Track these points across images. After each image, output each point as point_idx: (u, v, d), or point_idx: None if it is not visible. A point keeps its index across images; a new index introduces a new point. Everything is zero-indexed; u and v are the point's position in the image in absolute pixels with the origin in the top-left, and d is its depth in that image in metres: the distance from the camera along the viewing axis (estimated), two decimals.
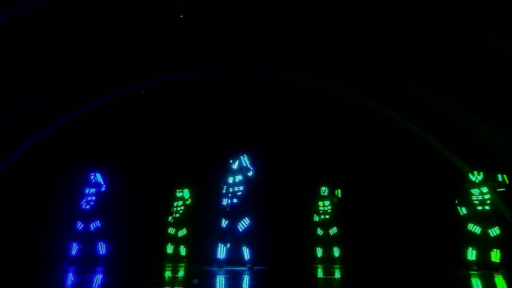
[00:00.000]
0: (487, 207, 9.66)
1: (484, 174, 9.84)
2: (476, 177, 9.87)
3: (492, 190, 9.78)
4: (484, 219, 9.61)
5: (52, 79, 11.45)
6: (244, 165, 9.16)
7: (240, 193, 9.09)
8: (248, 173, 9.11)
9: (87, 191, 9.87)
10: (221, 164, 9.41)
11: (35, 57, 11.25)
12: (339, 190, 11.14)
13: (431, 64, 11.17)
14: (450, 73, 11.06)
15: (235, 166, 9.23)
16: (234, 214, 9.10)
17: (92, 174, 9.96)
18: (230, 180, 9.18)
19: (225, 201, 9.13)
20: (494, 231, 9.53)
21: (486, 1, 9.52)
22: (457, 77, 10.99)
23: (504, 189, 9.68)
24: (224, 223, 9.11)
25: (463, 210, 9.94)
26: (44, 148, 11.46)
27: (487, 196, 9.68)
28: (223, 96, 12.22)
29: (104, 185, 9.95)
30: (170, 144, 11.91)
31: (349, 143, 11.97)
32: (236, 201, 9.08)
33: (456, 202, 10.04)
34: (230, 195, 9.12)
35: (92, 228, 9.81)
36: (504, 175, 9.67)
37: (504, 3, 9.36)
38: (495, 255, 9.47)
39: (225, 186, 9.16)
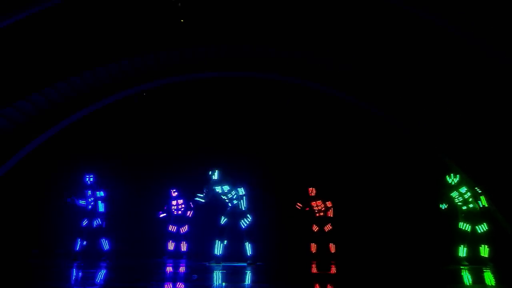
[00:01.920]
0: (471, 205, 9.96)
1: (460, 176, 10.06)
2: (452, 179, 10.11)
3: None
4: (472, 217, 9.94)
5: (55, 81, 11.71)
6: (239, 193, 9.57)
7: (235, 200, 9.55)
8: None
9: (89, 193, 10.35)
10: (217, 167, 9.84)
11: (39, 59, 11.51)
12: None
13: (423, 69, 11.47)
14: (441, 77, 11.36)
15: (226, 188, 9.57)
16: (234, 213, 9.53)
17: (89, 176, 10.41)
18: (225, 188, 9.58)
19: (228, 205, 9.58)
20: (482, 228, 9.87)
21: None
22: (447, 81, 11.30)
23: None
24: (223, 220, 9.49)
25: (443, 206, 10.21)
26: (47, 149, 11.71)
27: (467, 195, 9.97)
28: (220, 101, 12.46)
29: (104, 189, 10.47)
30: (171, 144, 12.16)
31: (345, 145, 12.19)
32: (235, 203, 9.53)
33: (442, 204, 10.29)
34: (227, 201, 9.59)
35: (94, 225, 10.26)
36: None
37: None
38: (484, 251, 9.84)
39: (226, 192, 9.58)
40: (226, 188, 9.53)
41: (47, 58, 11.56)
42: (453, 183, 10.08)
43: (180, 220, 11.24)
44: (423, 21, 10.63)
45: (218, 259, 9.36)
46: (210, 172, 9.54)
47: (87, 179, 10.38)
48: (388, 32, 11.36)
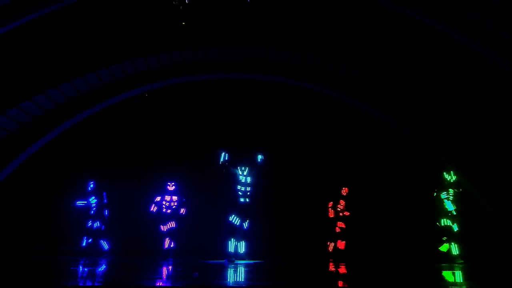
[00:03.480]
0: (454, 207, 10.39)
1: (457, 176, 10.49)
2: (451, 176, 10.48)
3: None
4: (451, 215, 10.35)
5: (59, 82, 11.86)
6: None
7: (249, 193, 9.90)
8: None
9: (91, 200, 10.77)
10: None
11: (41, 61, 11.65)
12: None
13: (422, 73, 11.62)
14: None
15: (245, 172, 9.93)
16: (242, 212, 9.87)
17: (92, 183, 10.85)
18: (242, 179, 9.92)
19: (242, 199, 9.91)
20: (456, 226, 10.29)
21: None
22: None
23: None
24: (235, 219, 9.81)
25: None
26: (46, 155, 11.84)
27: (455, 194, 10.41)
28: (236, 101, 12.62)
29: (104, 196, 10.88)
30: (169, 143, 12.24)
31: (346, 147, 12.31)
32: (247, 201, 9.88)
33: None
34: (241, 193, 9.88)
35: (95, 226, 10.65)
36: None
37: None
38: (454, 248, 10.23)
39: (238, 186, 9.91)
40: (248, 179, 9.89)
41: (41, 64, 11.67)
42: (451, 181, 10.43)
43: (177, 216, 11.14)
44: (424, 24, 10.80)
45: (231, 257, 9.67)
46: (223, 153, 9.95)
47: (90, 186, 10.81)
48: (392, 36, 11.52)
